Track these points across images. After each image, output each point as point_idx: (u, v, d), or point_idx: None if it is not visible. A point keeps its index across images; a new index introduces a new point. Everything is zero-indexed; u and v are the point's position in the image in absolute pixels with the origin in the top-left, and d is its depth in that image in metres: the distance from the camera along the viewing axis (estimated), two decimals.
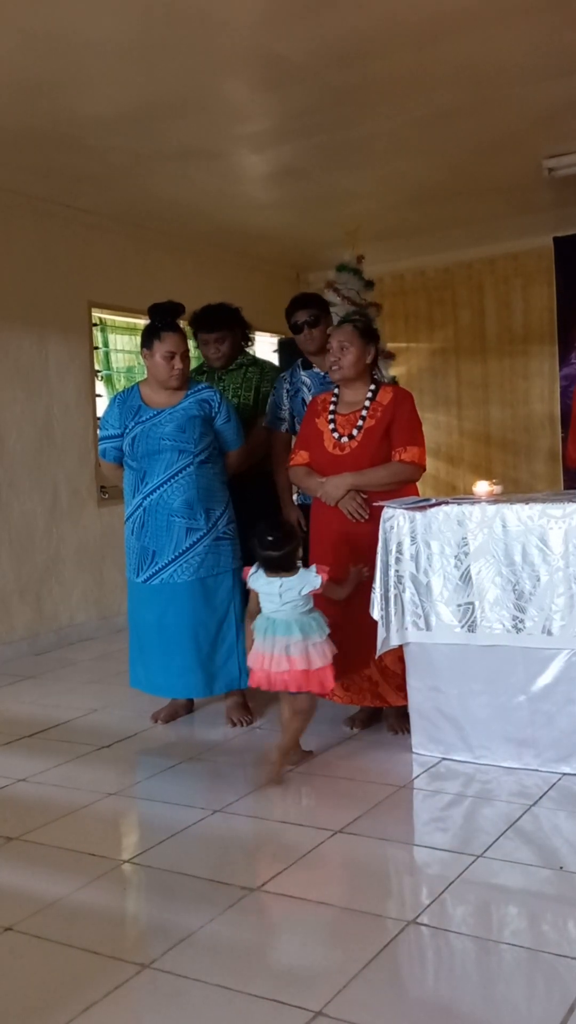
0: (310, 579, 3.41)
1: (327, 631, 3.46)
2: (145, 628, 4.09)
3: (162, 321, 3.98)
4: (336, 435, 3.82)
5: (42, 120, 4.73)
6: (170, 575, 3.98)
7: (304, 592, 3.40)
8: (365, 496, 3.73)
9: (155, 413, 4.00)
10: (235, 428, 4.15)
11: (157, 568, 3.99)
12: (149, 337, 3.99)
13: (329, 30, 3.92)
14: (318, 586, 3.40)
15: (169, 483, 3.96)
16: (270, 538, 3.42)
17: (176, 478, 3.96)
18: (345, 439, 3.80)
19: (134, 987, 2.15)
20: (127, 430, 4.02)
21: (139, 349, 4.13)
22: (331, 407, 3.91)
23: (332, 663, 3.44)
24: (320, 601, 3.51)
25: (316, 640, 3.42)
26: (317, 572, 3.41)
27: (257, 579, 3.48)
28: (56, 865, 2.83)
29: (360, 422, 3.80)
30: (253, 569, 3.50)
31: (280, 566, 3.43)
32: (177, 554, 3.96)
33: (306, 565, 3.59)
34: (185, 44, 3.96)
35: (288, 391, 4.53)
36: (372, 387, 3.87)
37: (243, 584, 4.08)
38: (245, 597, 4.15)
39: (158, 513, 3.97)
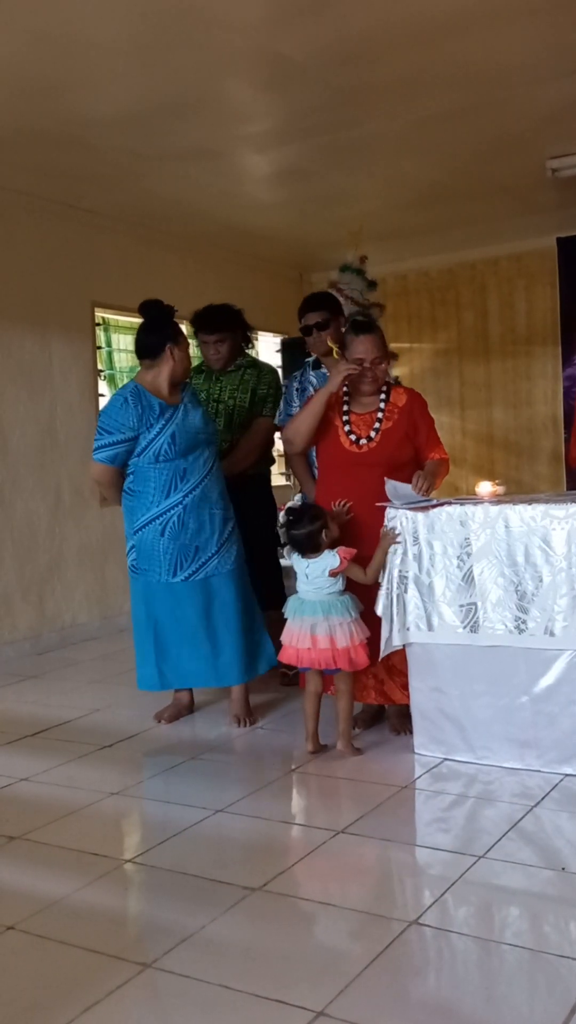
0: (331, 559, 3.58)
1: (355, 614, 3.62)
2: (185, 624, 4.03)
3: (172, 317, 3.99)
4: (353, 436, 3.83)
5: (46, 120, 4.74)
6: (214, 567, 4.02)
7: (325, 571, 3.57)
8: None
9: (175, 409, 3.98)
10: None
11: (202, 562, 4.00)
12: (174, 331, 3.99)
13: (332, 30, 3.92)
14: (336, 565, 3.56)
15: (208, 476, 4.01)
16: (291, 518, 3.66)
17: (212, 470, 4.04)
18: (364, 441, 3.81)
19: (135, 987, 2.15)
20: (158, 430, 3.91)
21: (162, 343, 3.99)
22: (344, 406, 3.90)
23: (364, 643, 3.59)
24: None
25: (341, 620, 3.58)
26: (339, 553, 3.58)
27: (296, 560, 3.70)
28: (58, 864, 2.83)
29: (377, 424, 3.82)
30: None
31: (303, 546, 3.62)
32: (220, 544, 4.03)
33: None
34: (188, 44, 3.96)
35: (297, 389, 4.59)
36: (384, 388, 3.88)
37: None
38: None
39: (200, 508, 3.98)
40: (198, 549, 3.99)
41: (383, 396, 3.86)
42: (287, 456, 4.57)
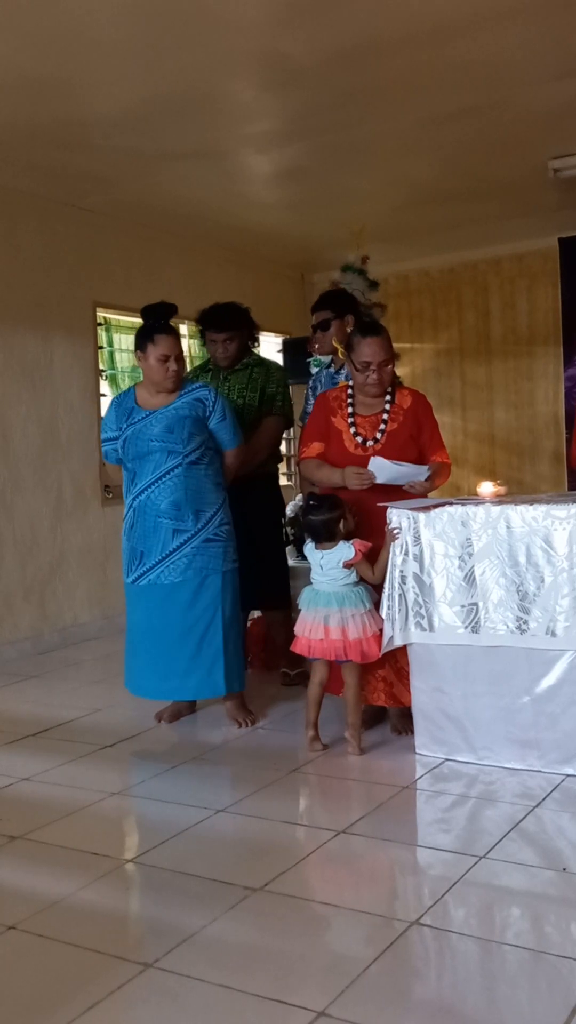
0: (346, 550, 3.61)
1: (369, 605, 3.65)
2: (134, 629, 4.09)
3: (155, 323, 3.98)
4: (359, 438, 3.83)
5: (48, 119, 4.74)
6: (157, 576, 3.96)
7: (340, 562, 3.61)
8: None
9: (146, 414, 4.00)
10: (231, 428, 4.11)
11: (145, 569, 3.99)
12: (142, 340, 3.99)
13: (335, 31, 3.92)
14: (351, 556, 3.60)
15: (156, 484, 3.95)
16: (310, 504, 3.71)
17: (164, 479, 3.94)
18: (370, 443, 3.80)
19: (136, 986, 2.15)
20: (122, 432, 4.02)
21: (132, 351, 4.12)
22: (348, 408, 3.90)
23: (377, 634, 3.60)
24: None
25: (355, 611, 3.61)
26: (354, 545, 3.61)
27: (310, 550, 3.73)
28: (59, 864, 2.83)
29: (382, 425, 3.82)
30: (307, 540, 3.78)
31: (319, 534, 3.65)
32: (163, 555, 3.95)
33: None
34: (191, 44, 3.96)
35: (311, 387, 4.73)
36: (389, 389, 3.87)
37: (235, 587, 4.07)
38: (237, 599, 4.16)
39: (146, 514, 3.97)
40: (143, 555, 3.99)
41: (388, 398, 3.86)
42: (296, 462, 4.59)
